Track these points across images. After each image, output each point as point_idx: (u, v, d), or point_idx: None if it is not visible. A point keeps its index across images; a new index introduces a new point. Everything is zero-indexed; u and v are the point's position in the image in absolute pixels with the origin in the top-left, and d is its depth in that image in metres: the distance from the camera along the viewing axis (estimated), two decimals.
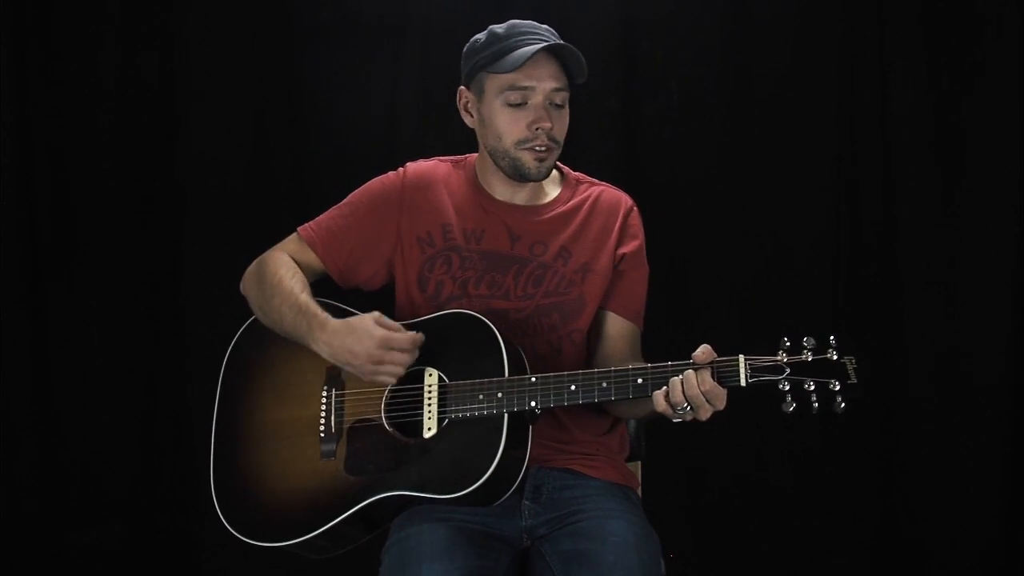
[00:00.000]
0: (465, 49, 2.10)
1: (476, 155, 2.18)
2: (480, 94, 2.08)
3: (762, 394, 1.81)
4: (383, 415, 1.99)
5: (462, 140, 2.22)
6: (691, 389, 1.80)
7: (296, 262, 2.14)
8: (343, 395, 2.02)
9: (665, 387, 1.83)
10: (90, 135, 3.16)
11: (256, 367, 2.11)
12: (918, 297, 3.08)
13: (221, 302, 2.34)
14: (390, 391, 1.99)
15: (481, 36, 2.07)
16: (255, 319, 2.14)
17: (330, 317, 2.00)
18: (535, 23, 2.06)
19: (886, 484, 3.13)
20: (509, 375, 1.92)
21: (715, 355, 1.81)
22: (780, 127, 3.12)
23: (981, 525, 3.06)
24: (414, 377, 1.99)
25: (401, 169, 2.18)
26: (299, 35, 3.19)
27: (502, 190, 2.14)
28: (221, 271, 2.37)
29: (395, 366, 1.94)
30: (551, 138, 2.04)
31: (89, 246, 3.16)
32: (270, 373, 2.09)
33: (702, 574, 3.12)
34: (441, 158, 2.22)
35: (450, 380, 1.96)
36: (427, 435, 1.94)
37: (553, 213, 2.14)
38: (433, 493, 1.89)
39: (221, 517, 2.03)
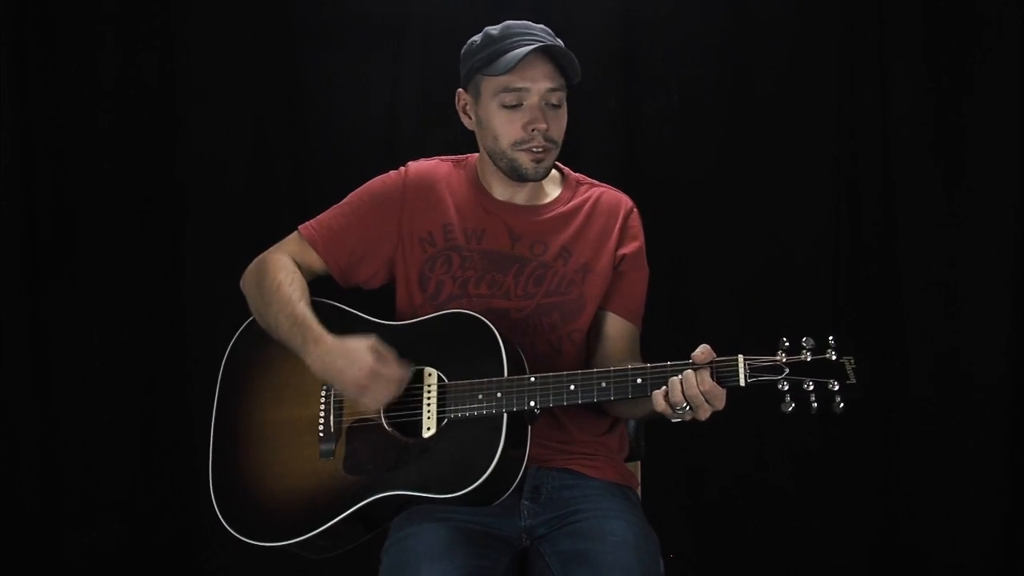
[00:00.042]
0: (462, 51, 2.10)
1: (477, 155, 2.18)
2: (477, 96, 2.08)
3: (761, 394, 1.81)
4: (382, 415, 1.99)
5: (462, 140, 2.22)
6: (690, 389, 1.80)
7: (297, 263, 2.14)
8: (342, 395, 2.02)
9: (664, 387, 1.83)
10: (90, 135, 3.16)
11: (255, 367, 2.11)
12: (918, 297, 3.08)
13: (221, 302, 2.34)
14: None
15: (477, 38, 2.08)
16: (254, 319, 2.14)
17: (326, 333, 1.99)
18: (530, 23, 2.06)
19: (886, 484, 3.13)
20: (508, 375, 1.92)
21: (714, 355, 1.81)
22: (780, 127, 3.12)
23: (981, 525, 3.06)
24: (414, 377, 1.99)
25: (403, 168, 2.18)
26: (299, 35, 3.19)
27: (502, 190, 2.14)
28: (221, 271, 2.37)
29: (377, 399, 1.95)
30: (548, 138, 2.04)
31: (89, 246, 3.16)
32: (269, 373, 2.09)
33: (702, 574, 3.12)
34: (442, 157, 2.22)
35: (449, 380, 1.96)
36: (426, 435, 1.94)
37: (553, 213, 2.14)
38: (432, 493, 1.89)
39: (220, 517, 2.03)
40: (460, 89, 2.13)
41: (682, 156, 3.16)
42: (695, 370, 1.80)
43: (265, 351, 2.08)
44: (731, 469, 3.16)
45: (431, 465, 1.92)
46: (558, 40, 2.06)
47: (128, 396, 3.18)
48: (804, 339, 1.78)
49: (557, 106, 2.05)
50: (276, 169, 3.21)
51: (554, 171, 2.18)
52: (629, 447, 2.22)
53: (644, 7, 3.14)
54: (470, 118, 2.13)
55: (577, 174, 2.22)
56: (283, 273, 2.10)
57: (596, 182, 2.21)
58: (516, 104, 2.03)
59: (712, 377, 1.80)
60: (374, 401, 1.95)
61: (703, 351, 1.81)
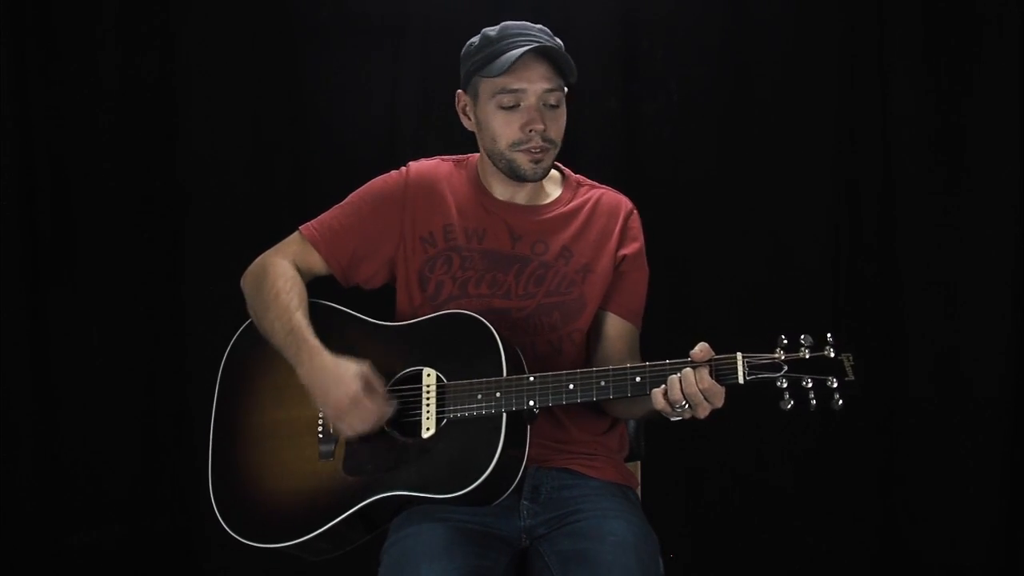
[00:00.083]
0: (462, 53, 2.10)
1: (478, 155, 2.18)
2: (475, 97, 2.08)
3: (760, 392, 1.81)
4: None
5: (463, 140, 2.22)
6: (689, 387, 1.80)
7: (298, 265, 2.14)
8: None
9: (663, 385, 1.83)
10: (90, 135, 3.16)
11: (254, 368, 2.11)
12: (918, 297, 3.08)
13: (221, 302, 2.34)
14: (388, 391, 1.99)
15: (475, 39, 2.08)
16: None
17: (322, 348, 1.99)
18: (527, 24, 2.06)
19: (886, 484, 3.13)
20: (507, 375, 1.92)
21: (713, 353, 1.81)
22: (780, 127, 3.12)
23: (981, 525, 3.05)
24: (412, 377, 1.99)
25: (404, 168, 2.18)
26: (299, 35, 3.19)
27: (503, 190, 2.15)
28: (221, 271, 2.37)
29: (352, 427, 1.95)
30: (546, 139, 2.04)
31: (89, 246, 3.16)
32: (268, 374, 2.08)
33: (702, 574, 3.12)
34: (443, 157, 2.22)
35: (448, 380, 1.96)
36: (425, 435, 1.94)
37: (554, 213, 2.14)
38: (432, 493, 1.89)
39: (219, 519, 2.02)
40: (460, 90, 2.13)
41: (682, 156, 3.16)
42: (694, 368, 1.80)
43: (265, 352, 2.08)
44: (731, 469, 3.16)
45: (430, 465, 1.92)
46: (556, 40, 2.06)
47: (128, 396, 3.18)
48: (802, 336, 1.79)
49: (555, 106, 2.05)
50: (276, 169, 3.21)
51: (554, 171, 2.18)
52: (629, 447, 2.22)
53: (644, 7, 3.14)
54: (470, 119, 2.13)
55: (577, 175, 2.22)
56: (282, 280, 2.09)
57: (596, 183, 2.21)
58: (513, 105, 2.03)
59: (711, 375, 1.80)
60: (349, 428, 1.96)
61: (701, 349, 1.82)
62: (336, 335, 2.03)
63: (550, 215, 2.14)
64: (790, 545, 3.15)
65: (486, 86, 2.05)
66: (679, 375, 1.81)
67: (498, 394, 1.91)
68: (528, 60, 2.00)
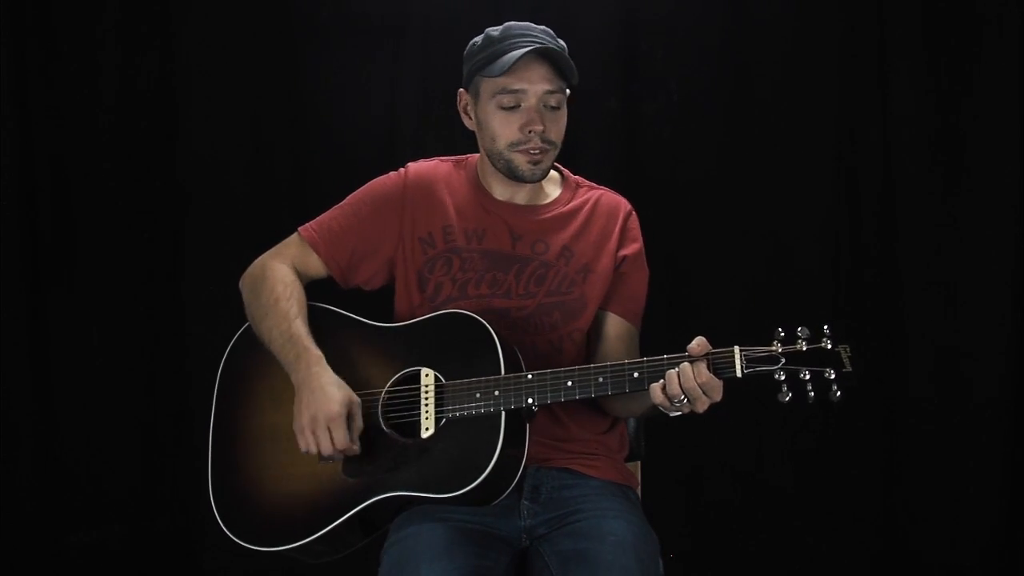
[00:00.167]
0: (464, 52, 2.11)
1: (477, 155, 2.18)
2: (476, 97, 2.08)
3: (760, 393, 1.81)
4: (380, 416, 1.98)
5: (462, 140, 2.22)
6: (688, 382, 1.80)
7: (297, 267, 2.14)
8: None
9: (661, 380, 1.83)
10: (90, 135, 3.16)
11: (253, 370, 2.11)
12: (918, 297, 3.08)
13: (221, 302, 2.34)
14: (387, 392, 1.99)
15: (478, 39, 2.08)
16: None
17: (323, 359, 1.98)
18: (531, 25, 2.06)
19: (886, 484, 3.13)
20: (505, 373, 1.92)
21: (710, 347, 1.82)
22: (780, 127, 3.12)
23: (981, 525, 3.05)
24: (411, 378, 1.99)
25: (403, 169, 2.18)
26: (299, 35, 3.19)
27: (502, 190, 2.15)
28: (221, 271, 2.37)
29: (308, 444, 1.94)
30: (545, 140, 2.04)
31: (89, 246, 3.16)
32: (267, 376, 2.08)
33: (702, 574, 3.12)
34: (442, 158, 2.22)
35: (446, 380, 1.96)
36: (425, 435, 1.94)
37: (554, 213, 2.14)
38: (432, 493, 1.89)
39: (220, 522, 2.02)
40: (461, 89, 2.13)
41: (682, 156, 3.16)
42: (692, 362, 1.81)
43: (264, 354, 2.07)
44: (731, 469, 3.17)
45: (430, 465, 1.91)
46: (559, 42, 2.06)
47: (128, 396, 3.18)
48: (799, 329, 1.79)
49: (556, 108, 2.05)
50: (276, 169, 3.21)
51: (553, 172, 2.18)
52: (629, 447, 2.22)
53: (644, 7, 3.14)
54: (470, 118, 2.13)
55: (576, 176, 2.22)
56: (281, 286, 2.09)
57: (594, 184, 2.21)
58: (514, 105, 2.03)
59: (709, 369, 1.80)
60: (305, 443, 1.95)
61: (699, 343, 1.82)
62: (333, 338, 2.03)
63: (550, 215, 2.14)
64: (790, 545, 3.15)
65: (487, 86, 2.05)
66: (677, 370, 1.81)
67: (496, 392, 1.91)
68: (530, 61, 2.00)
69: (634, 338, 2.15)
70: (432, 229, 2.12)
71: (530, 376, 1.91)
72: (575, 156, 2.24)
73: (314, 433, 1.93)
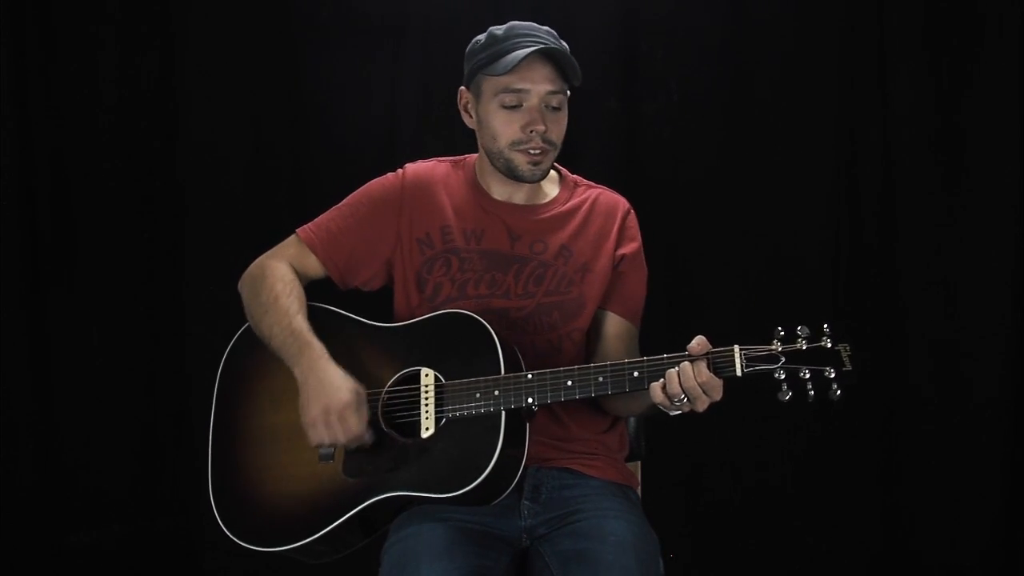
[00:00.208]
0: (467, 50, 2.11)
1: (476, 155, 2.18)
2: (478, 95, 2.08)
3: (759, 393, 1.81)
4: (380, 416, 1.98)
5: (462, 140, 2.22)
6: (688, 381, 1.80)
7: (296, 269, 2.13)
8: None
9: (661, 380, 1.83)
10: (90, 135, 3.16)
11: (253, 370, 2.11)
12: (918, 297, 3.08)
13: (221, 303, 2.33)
14: (387, 392, 1.99)
15: (481, 37, 2.08)
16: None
17: (326, 353, 1.98)
18: (535, 25, 2.06)
19: (886, 484, 3.12)
20: (505, 373, 1.92)
21: (710, 346, 1.82)
22: (780, 127, 3.12)
23: (981, 525, 3.05)
24: (411, 378, 1.99)
25: (400, 170, 2.18)
26: (299, 35, 3.19)
27: (501, 190, 2.15)
28: (221, 271, 2.36)
29: (320, 437, 1.94)
30: (546, 140, 2.04)
31: (89, 246, 3.16)
32: (267, 376, 2.08)
33: (702, 574, 3.12)
34: (440, 159, 2.22)
35: (446, 380, 1.96)
36: (425, 435, 1.94)
37: (552, 212, 2.14)
38: (432, 493, 1.89)
39: (220, 523, 2.02)
40: (463, 87, 2.13)
41: (682, 156, 3.16)
42: (692, 362, 1.81)
43: (264, 355, 2.07)
44: (731, 469, 3.16)
45: (430, 465, 1.92)
46: (563, 43, 2.06)
47: (128, 396, 3.18)
48: (799, 328, 1.79)
49: (557, 109, 2.05)
50: (276, 169, 3.21)
51: (552, 171, 2.18)
52: (629, 447, 2.22)
53: (644, 7, 3.14)
54: (471, 116, 2.13)
55: (574, 175, 2.22)
56: (280, 284, 2.09)
57: (592, 183, 2.21)
58: (516, 105, 2.03)
59: (709, 368, 1.80)
60: (316, 436, 1.95)
61: (699, 342, 1.82)
62: (333, 338, 2.02)
63: (548, 214, 2.14)
64: (790, 545, 3.15)
65: (489, 84, 2.05)
66: (677, 369, 1.81)
67: (496, 392, 1.91)
68: (533, 61, 2.00)
69: (634, 337, 2.15)
70: (430, 230, 2.12)
71: (530, 376, 1.91)
72: (575, 156, 2.24)
73: (327, 424, 1.93)
